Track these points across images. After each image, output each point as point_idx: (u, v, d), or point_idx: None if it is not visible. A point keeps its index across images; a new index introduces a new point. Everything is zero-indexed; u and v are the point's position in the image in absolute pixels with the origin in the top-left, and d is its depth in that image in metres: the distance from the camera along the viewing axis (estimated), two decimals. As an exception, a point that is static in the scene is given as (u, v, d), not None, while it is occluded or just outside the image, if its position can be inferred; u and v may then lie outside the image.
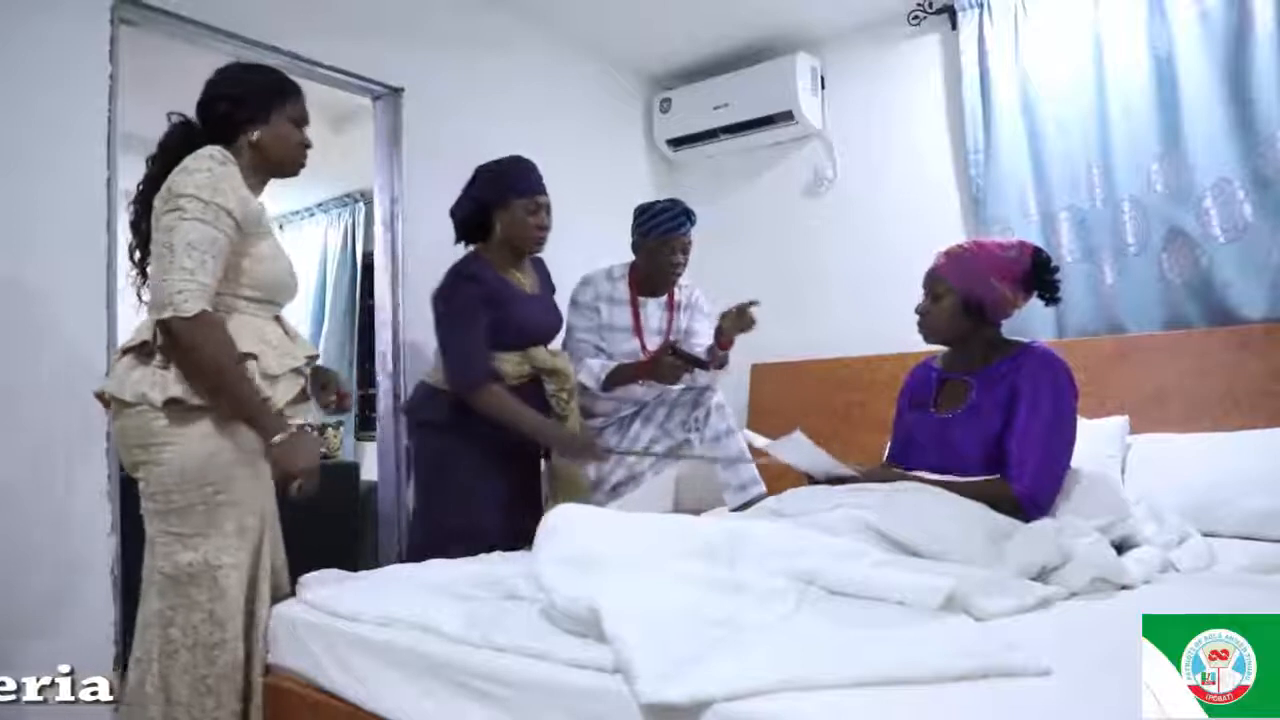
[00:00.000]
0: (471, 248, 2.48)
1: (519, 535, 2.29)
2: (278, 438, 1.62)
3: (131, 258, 1.80)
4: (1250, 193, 2.66)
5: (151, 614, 1.64)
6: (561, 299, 2.70)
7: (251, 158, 1.78)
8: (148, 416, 1.61)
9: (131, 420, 1.63)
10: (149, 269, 1.71)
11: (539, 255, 2.54)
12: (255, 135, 1.77)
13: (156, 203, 1.67)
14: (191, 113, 1.82)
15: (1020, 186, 3.10)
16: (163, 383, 1.61)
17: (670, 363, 2.46)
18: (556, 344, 2.58)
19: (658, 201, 2.72)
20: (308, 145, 1.88)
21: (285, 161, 1.84)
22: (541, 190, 2.42)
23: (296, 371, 1.80)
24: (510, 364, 2.38)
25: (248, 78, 1.82)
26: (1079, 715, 1.00)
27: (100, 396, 1.70)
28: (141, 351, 1.66)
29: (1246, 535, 2.22)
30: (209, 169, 1.65)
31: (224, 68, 1.84)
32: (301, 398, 1.82)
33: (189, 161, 1.66)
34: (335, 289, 5.07)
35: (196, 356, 1.60)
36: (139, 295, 1.78)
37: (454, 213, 2.48)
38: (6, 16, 2.12)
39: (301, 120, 1.86)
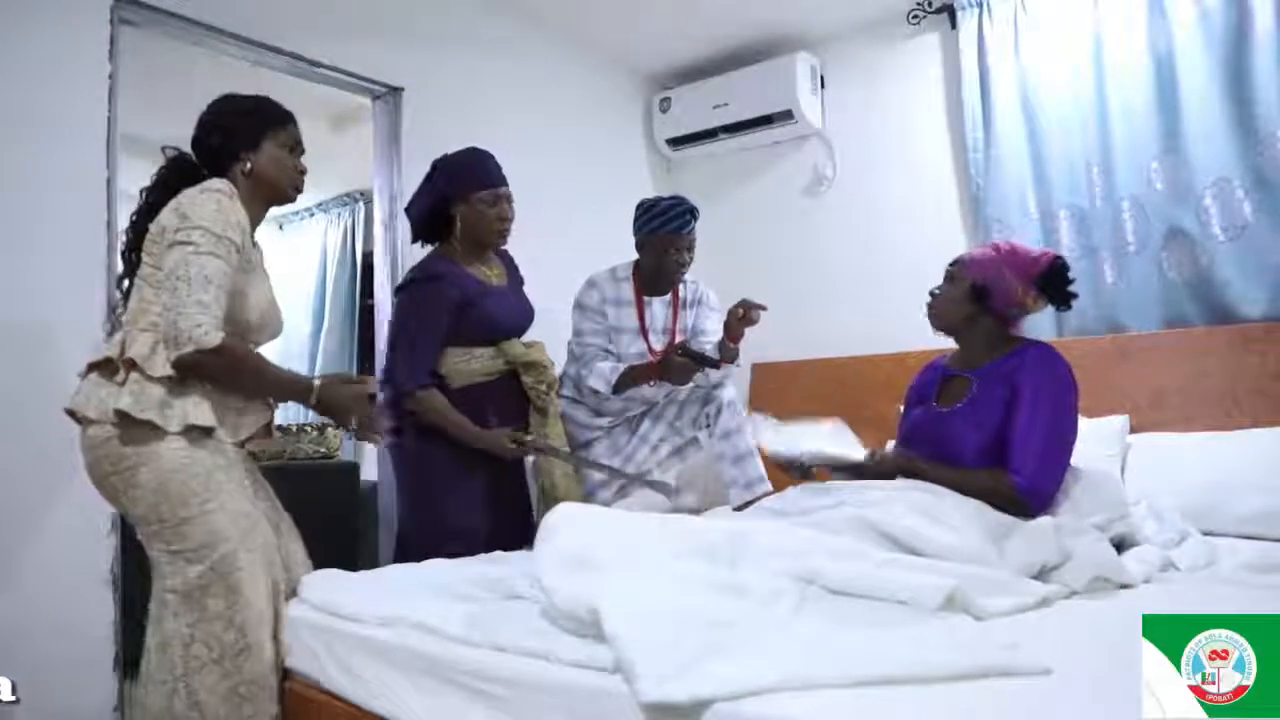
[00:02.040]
0: (430, 248, 2.45)
1: (507, 531, 2.29)
2: (311, 401, 1.72)
3: (119, 286, 1.83)
4: (1250, 192, 2.66)
5: (170, 634, 1.61)
6: (564, 301, 2.70)
7: (247, 187, 1.78)
8: (113, 443, 1.62)
9: (101, 448, 1.63)
10: (143, 296, 1.70)
11: (504, 248, 2.50)
12: (248, 165, 1.78)
13: (153, 229, 1.68)
14: (192, 116, 1.83)
15: (1020, 185, 3.10)
16: (117, 398, 1.61)
17: (680, 362, 2.42)
18: (531, 335, 2.52)
19: (661, 198, 2.67)
20: (302, 171, 1.88)
21: (279, 188, 1.85)
22: (501, 182, 2.37)
23: (265, 404, 1.82)
24: (482, 360, 2.35)
25: (237, 108, 1.82)
26: (1079, 715, 1.00)
27: (71, 413, 1.69)
28: (106, 368, 1.66)
29: (1246, 535, 2.22)
30: (217, 202, 1.66)
31: (214, 101, 1.84)
32: (265, 433, 1.83)
33: (195, 193, 1.67)
34: (335, 289, 5.07)
35: (225, 380, 1.68)
36: (119, 319, 1.80)
37: (409, 211, 2.45)
38: (6, 16, 2.12)
39: (295, 147, 1.86)
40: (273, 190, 1.84)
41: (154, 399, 1.62)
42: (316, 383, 1.74)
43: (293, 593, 1.78)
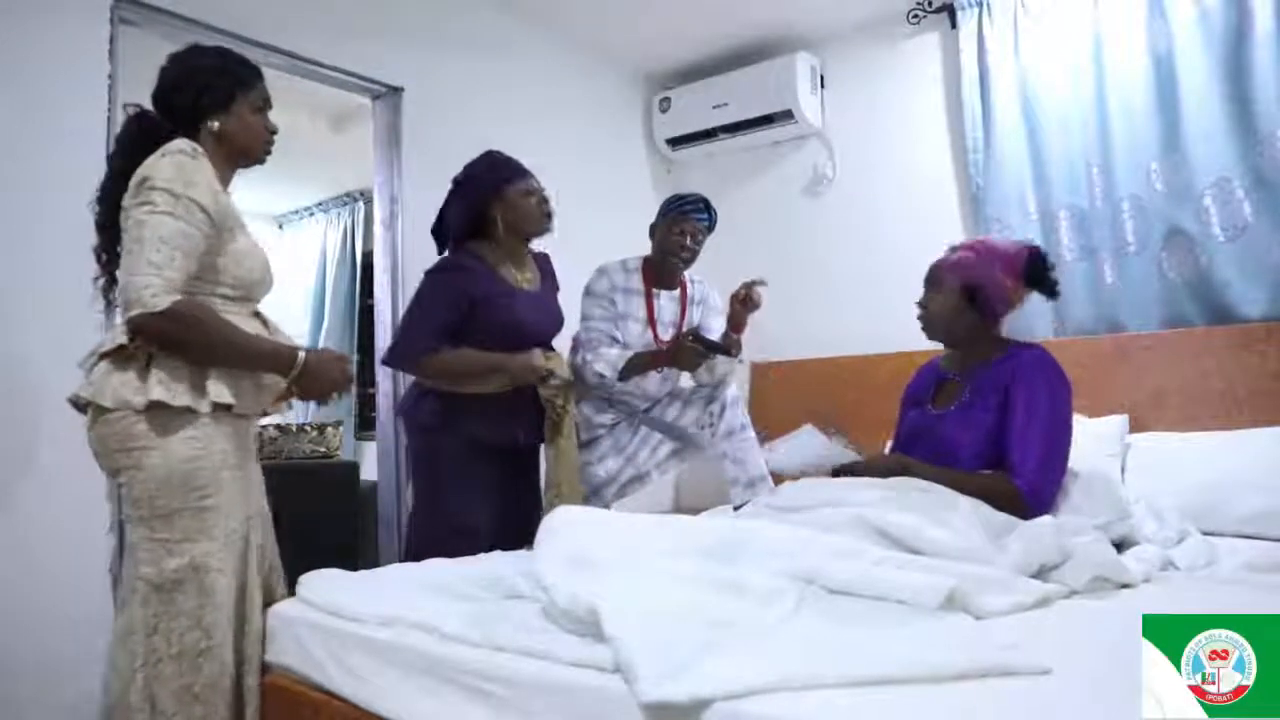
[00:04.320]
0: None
1: (515, 533, 2.29)
2: (293, 373, 1.65)
3: (99, 259, 1.73)
4: (1250, 192, 2.67)
5: (135, 622, 1.58)
6: (567, 298, 2.70)
7: (216, 148, 1.71)
8: (128, 421, 1.57)
9: (110, 427, 1.58)
10: (118, 266, 1.63)
11: (544, 252, 2.53)
12: (217, 125, 1.72)
13: (125, 199, 1.61)
14: None
15: (1020, 185, 3.10)
16: (144, 387, 1.56)
17: (691, 348, 2.43)
18: (557, 344, 2.53)
19: (687, 193, 2.77)
20: (273, 131, 1.82)
21: (250, 150, 1.78)
22: (529, 174, 2.41)
23: None
24: None
25: (206, 65, 1.74)
26: (1079, 715, 1.00)
27: (75, 403, 1.64)
28: (120, 355, 1.59)
29: (1246, 535, 2.22)
30: (179, 162, 1.59)
31: (178, 54, 1.75)
32: (287, 393, 1.77)
33: (156, 157, 1.60)
34: (335, 289, 5.08)
35: (179, 347, 1.58)
36: (106, 299, 1.73)
37: (441, 227, 2.45)
38: (6, 16, 2.12)
39: (264, 106, 1.80)
40: (242, 154, 1.78)
41: (183, 383, 1.58)
42: (301, 355, 1.67)
43: (269, 592, 1.76)
